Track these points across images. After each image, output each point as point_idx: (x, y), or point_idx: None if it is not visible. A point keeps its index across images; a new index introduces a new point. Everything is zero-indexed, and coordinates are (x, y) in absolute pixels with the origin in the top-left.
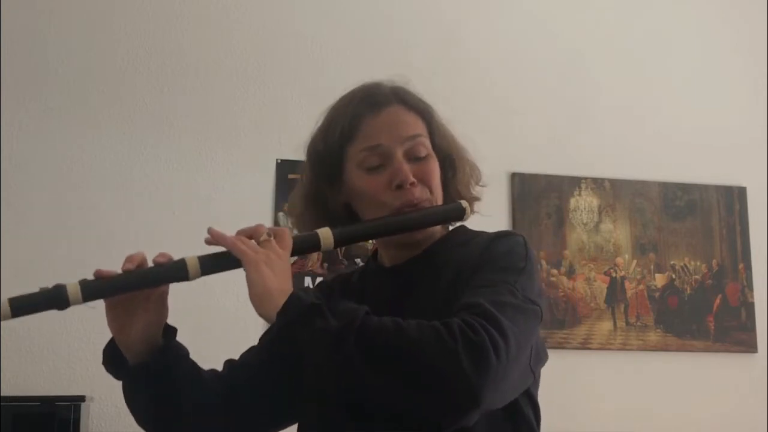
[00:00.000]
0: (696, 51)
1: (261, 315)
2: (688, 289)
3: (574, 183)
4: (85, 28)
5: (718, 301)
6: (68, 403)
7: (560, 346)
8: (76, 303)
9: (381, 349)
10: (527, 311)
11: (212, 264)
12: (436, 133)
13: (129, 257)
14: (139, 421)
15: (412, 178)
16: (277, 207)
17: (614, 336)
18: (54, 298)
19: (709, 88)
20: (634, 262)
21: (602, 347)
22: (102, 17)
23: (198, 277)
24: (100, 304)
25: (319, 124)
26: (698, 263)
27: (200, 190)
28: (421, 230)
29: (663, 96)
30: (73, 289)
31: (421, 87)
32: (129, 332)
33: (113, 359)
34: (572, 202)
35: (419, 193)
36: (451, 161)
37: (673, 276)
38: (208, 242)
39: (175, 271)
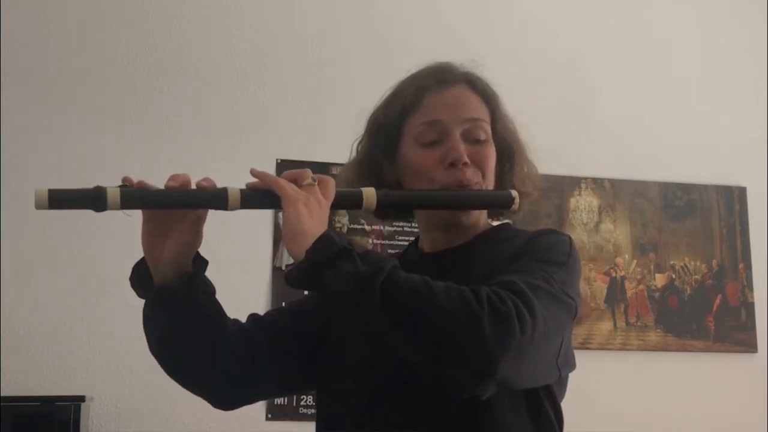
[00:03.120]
0: (696, 51)
1: (291, 254)
2: (688, 289)
3: (574, 183)
4: (85, 28)
5: (718, 301)
6: (68, 403)
7: None
8: (114, 208)
9: (404, 303)
10: (561, 301)
11: (253, 199)
12: (498, 122)
13: (173, 176)
14: (152, 347)
15: (466, 158)
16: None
17: (614, 336)
18: (93, 199)
19: (709, 89)
20: (634, 262)
21: (602, 347)
22: (102, 17)
23: (237, 208)
24: (135, 215)
25: (385, 96)
26: (698, 263)
27: None
28: (465, 212)
29: (663, 96)
30: (113, 193)
31: None
32: (161, 251)
33: (140, 278)
34: (572, 202)
35: (471, 174)
36: (510, 153)
37: (673, 276)
38: (250, 184)
39: (216, 198)
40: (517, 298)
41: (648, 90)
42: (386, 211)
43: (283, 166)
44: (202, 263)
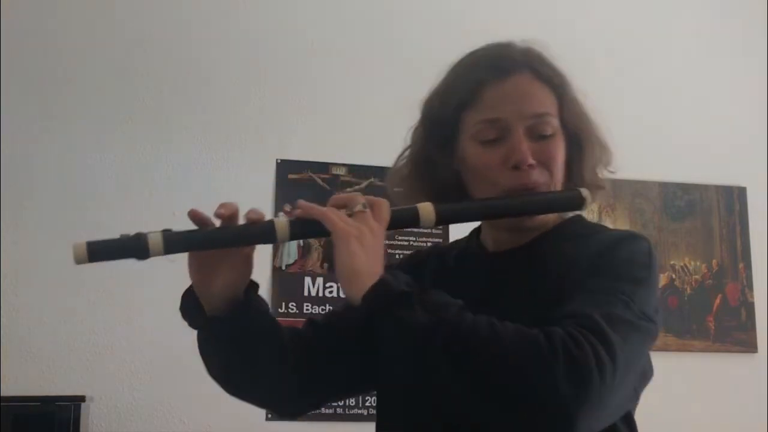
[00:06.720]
0: (696, 51)
1: (347, 295)
2: (688, 289)
3: None
4: (86, 28)
5: (718, 301)
6: (68, 403)
7: None
8: (157, 254)
9: (471, 356)
10: (641, 329)
11: (302, 229)
12: (566, 110)
13: (222, 205)
14: (211, 372)
15: (531, 159)
16: (278, 207)
17: None
18: (134, 248)
19: (709, 89)
20: None
21: None
22: (102, 17)
23: (286, 240)
24: (181, 257)
25: (438, 81)
26: (698, 263)
27: (200, 190)
28: (531, 217)
29: (663, 96)
30: (155, 239)
31: (422, 87)
32: (210, 286)
33: (190, 307)
34: None
35: (537, 176)
36: (579, 141)
37: (673, 276)
38: (298, 215)
39: (263, 233)
40: (596, 339)
41: (648, 90)
42: (446, 224)
43: (283, 166)
44: (253, 287)
